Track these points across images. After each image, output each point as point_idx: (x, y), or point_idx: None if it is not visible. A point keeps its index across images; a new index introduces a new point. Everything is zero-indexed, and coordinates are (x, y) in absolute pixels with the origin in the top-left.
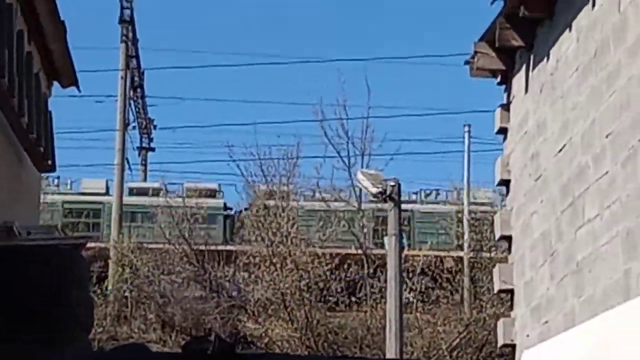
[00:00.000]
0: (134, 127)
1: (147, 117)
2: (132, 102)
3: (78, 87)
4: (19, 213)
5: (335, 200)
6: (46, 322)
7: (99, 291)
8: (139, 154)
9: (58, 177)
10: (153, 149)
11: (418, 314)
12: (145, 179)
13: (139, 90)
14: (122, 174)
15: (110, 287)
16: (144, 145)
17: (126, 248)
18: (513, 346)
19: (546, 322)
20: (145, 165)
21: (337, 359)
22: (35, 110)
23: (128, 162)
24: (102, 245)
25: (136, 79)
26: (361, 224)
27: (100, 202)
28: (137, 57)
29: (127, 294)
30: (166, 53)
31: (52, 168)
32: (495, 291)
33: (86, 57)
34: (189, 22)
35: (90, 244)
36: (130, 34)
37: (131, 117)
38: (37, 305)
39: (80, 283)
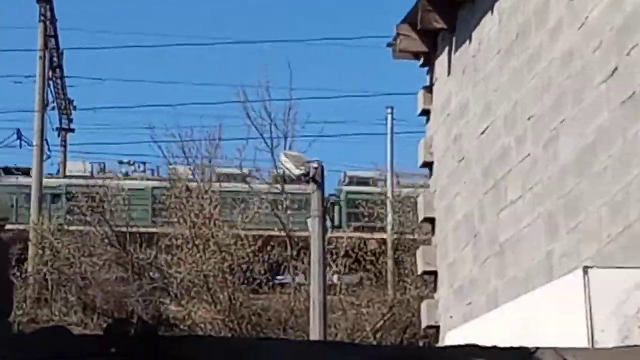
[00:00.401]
0: (53, 108)
1: (67, 98)
2: (51, 82)
3: None
4: None
5: (259, 182)
6: None
7: (18, 274)
8: (59, 135)
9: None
10: (73, 130)
11: (342, 296)
12: (64, 161)
13: (58, 70)
14: (42, 155)
15: (30, 270)
16: (63, 126)
17: (46, 230)
18: (437, 327)
19: (469, 303)
20: (65, 147)
21: (260, 340)
22: None
23: (47, 143)
24: (22, 227)
25: (55, 59)
26: (284, 206)
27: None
28: (55, 36)
29: (47, 276)
30: (86, 33)
31: None
32: (419, 273)
33: (3, 36)
34: (109, 1)
35: (9, 226)
36: (49, 13)
37: (50, 98)
38: None
39: None
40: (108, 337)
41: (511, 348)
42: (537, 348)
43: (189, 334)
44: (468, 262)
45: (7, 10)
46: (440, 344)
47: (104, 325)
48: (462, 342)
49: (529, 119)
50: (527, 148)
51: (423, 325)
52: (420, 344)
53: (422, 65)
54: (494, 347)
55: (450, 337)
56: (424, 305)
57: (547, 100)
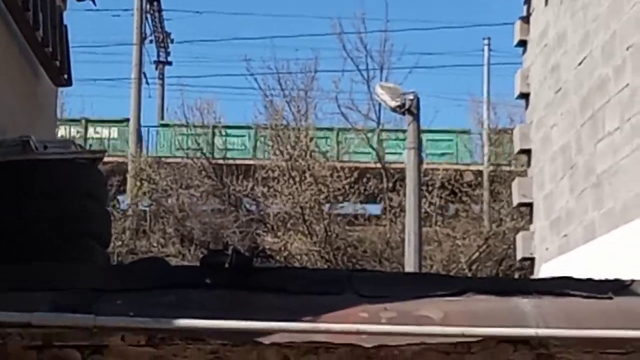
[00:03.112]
0: (150, 41)
1: (164, 31)
2: (148, 15)
3: (93, 1)
4: (36, 128)
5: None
6: (63, 236)
7: (117, 205)
8: (156, 68)
9: None
10: (170, 63)
11: (437, 228)
12: (162, 93)
13: (155, 3)
14: (140, 88)
15: (128, 202)
16: (161, 59)
17: (144, 162)
18: (532, 259)
19: (565, 235)
20: (162, 80)
21: (353, 272)
22: (51, 24)
23: (145, 76)
24: (120, 160)
25: None
26: (380, 138)
27: None
28: None
29: (145, 208)
30: None
31: (69, 82)
32: (515, 205)
33: None
34: None
35: (108, 158)
36: None
37: (148, 31)
38: (53, 220)
39: (97, 197)
40: (204, 268)
41: (606, 280)
42: (633, 280)
43: (283, 265)
44: (565, 194)
45: None
46: (535, 276)
47: (201, 256)
48: (558, 274)
49: (627, 48)
50: (626, 78)
51: (518, 257)
52: (516, 276)
53: None
54: (589, 279)
55: (546, 269)
56: (519, 236)
57: None
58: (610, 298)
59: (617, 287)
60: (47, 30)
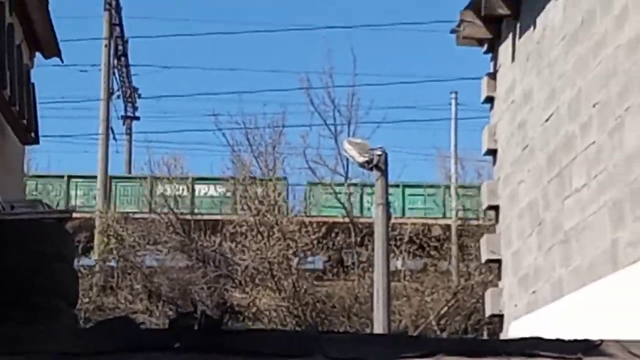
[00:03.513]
0: (118, 96)
1: (132, 86)
2: (116, 70)
3: (61, 58)
4: (3, 187)
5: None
6: (31, 297)
7: (84, 262)
8: (124, 123)
9: None
10: (138, 118)
11: (406, 282)
12: (130, 148)
13: (123, 58)
14: (107, 143)
15: (95, 258)
16: (128, 114)
17: (111, 218)
18: (501, 316)
19: (534, 292)
20: (130, 135)
21: (324, 333)
22: (18, 82)
23: (113, 132)
24: (88, 215)
25: (120, 47)
26: (348, 193)
27: None
28: (120, 25)
29: (112, 264)
30: (149, 21)
31: (36, 140)
32: (483, 261)
33: (69, 25)
34: None
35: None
36: (114, 2)
37: (115, 86)
38: (20, 281)
39: (64, 256)
40: (173, 331)
41: (575, 340)
42: (602, 340)
43: (252, 328)
44: (533, 251)
45: None
46: (504, 332)
47: (170, 313)
48: (527, 332)
49: (594, 106)
50: (592, 135)
51: (487, 314)
52: (485, 331)
53: (486, 52)
54: (559, 340)
55: (515, 327)
56: (488, 293)
57: (612, 87)
58: (580, 359)
59: (587, 348)
60: (14, 88)
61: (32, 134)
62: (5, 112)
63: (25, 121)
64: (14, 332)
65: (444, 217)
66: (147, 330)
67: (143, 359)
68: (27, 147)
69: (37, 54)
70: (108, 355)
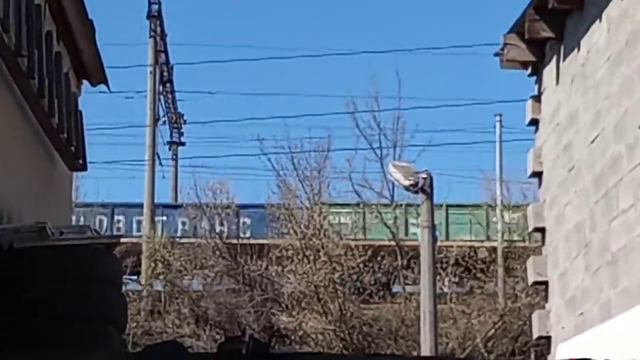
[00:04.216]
0: (164, 122)
1: (177, 112)
2: (161, 97)
3: (107, 85)
4: (52, 213)
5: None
6: (81, 323)
7: (131, 287)
8: (170, 149)
9: None
10: (184, 144)
11: (452, 305)
12: (176, 174)
13: (168, 85)
14: (153, 169)
15: (143, 282)
16: (174, 140)
17: (158, 243)
18: (549, 338)
19: (582, 313)
20: (176, 161)
21: (372, 356)
22: (66, 110)
23: (159, 157)
24: (134, 240)
25: (165, 73)
26: (394, 216)
27: None
28: (165, 51)
29: (160, 288)
30: (195, 47)
31: (84, 167)
32: (530, 283)
33: (115, 53)
34: (217, 16)
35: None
36: (159, 29)
37: (161, 112)
38: (70, 307)
39: (113, 282)
40: (221, 355)
41: None
42: None
43: (300, 351)
44: (580, 272)
45: (118, 27)
46: (552, 355)
47: (217, 337)
48: (575, 355)
49: (639, 127)
50: (639, 156)
51: (534, 336)
52: (532, 353)
53: (530, 75)
54: None
55: (562, 349)
56: (535, 315)
57: None
58: None
59: None
60: (62, 116)
61: (80, 161)
62: (53, 140)
63: (73, 148)
64: (66, 359)
65: (488, 239)
66: (196, 354)
67: None
68: (75, 174)
69: (84, 81)
70: None
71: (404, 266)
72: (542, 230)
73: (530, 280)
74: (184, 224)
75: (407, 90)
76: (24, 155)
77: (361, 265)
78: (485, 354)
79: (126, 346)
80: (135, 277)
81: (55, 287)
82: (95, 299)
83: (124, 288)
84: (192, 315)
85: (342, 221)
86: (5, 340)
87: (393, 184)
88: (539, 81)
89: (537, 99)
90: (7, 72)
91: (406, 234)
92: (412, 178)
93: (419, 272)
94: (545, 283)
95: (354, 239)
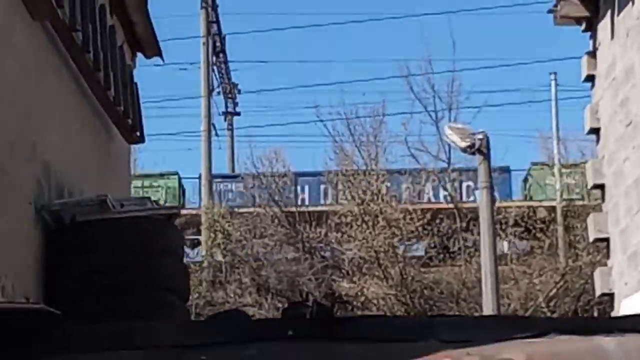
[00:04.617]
0: (218, 93)
1: (231, 82)
2: (215, 67)
3: (162, 57)
4: (111, 186)
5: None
6: (144, 293)
7: (192, 258)
8: (225, 119)
9: None
10: (239, 114)
11: (513, 266)
12: (232, 144)
13: (221, 55)
14: (209, 139)
15: (203, 253)
16: (229, 110)
17: (217, 214)
18: (611, 295)
19: None
20: (231, 130)
21: (435, 317)
22: (121, 83)
23: (215, 128)
24: (194, 212)
25: (218, 44)
26: (451, 178)
27: None
28: (217, 22)
29: (220, 259)
30: (246, 17)
31: (141, 139)
32: (591, 241)
33: (167, 25)
34: None
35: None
36: (210, 0)
37: (215, 83)
38: (134, 277)
39: (174, 252)
40: (285, 321)
41: None
42: None
43: (363, 315)
44: None
45: None
46: (615, 311)
47: (279, 305)
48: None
49: None
50: None
51: (597, 293)
52: (595, 311)
53: (585, 30)
54: None
55: (626, 305)
56: (597, 272)
57: None
58: None
59: None
60: (118, 89)
61: (137, 133)
62: (110, 112)
63: (130, 120)
64: (131, 327)
65: (547, 198)
66: (260, 320)
67: (257, 349)
68: (132, 147)
69: (138, 54)
70: (223, 347)
71: (463, 228)
72: (601, 187)
73: (592, 238)
74: (241, 194)
75: (461, 52)
76: (83, 129)
77: (420, 229)
78: (548, 314)
79: (189, 315)
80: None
81: (117, 259)
82: (157, 269)
83: (185, 259)
84: (253, 285)
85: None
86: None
87: (449, 146)
88: (593, 37)
89: (593, 54)
90: (63, 47)
91: (460, 197)
92: (468, 139)
93: (479, 234)
94: (607, 240)
95: (412, 203)
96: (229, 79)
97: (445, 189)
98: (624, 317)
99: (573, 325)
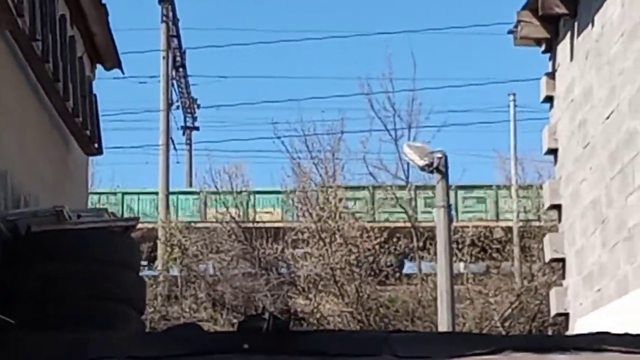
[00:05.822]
0: (177, 107)
1: (190, 97)
2: (174, 82)
3: (122, 69)
4: (68, 197)
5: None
6: (100, 304)
7: (148, 272)
8: (184, 134)
9: None
10: (197, 128)
11: (469, 285)
12: (190, 159)
13: (181, 69)
14: (168, 154)
15: (159, 267)
16: (188, 124)
17: (174, 228)
18: (566, 315)
19: (599, 289)
20: (190, 145)
21: (391, 332)
22: (80, 94)
23: (173, 142)
24: (150, 226)
25: (178, 58)
26: (409, 197)
27: None
28: (178, 36)
29: (176, 273)
30: (207, 32)
31: (99, 151)
32: (547, 261)
33: (128, 38)
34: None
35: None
36: (171, 14)
37: (174, 97)
38: (89, 288)
39: (131, 264)
40: (241, 334)
41: None
42: None
43: (319, 329)
44: (596, 249)
45: (129, 12)
46: (570, 331)
47: (234, 320)
48: (593, 330)
49: None
50: None
51: (552, 313)
52: (550, 331)
53: (544, 52)
54: (627, 334)
55: (580, 325)
56: (552, 292)
57: None
58: None
59: None
60: (77, 100)
61: (95, 145)
62: (69, 123)
63: (88, 132)
64: (83, 337)
65: (498, 219)
66: (216, 333)
67: None
68: (89, 159)
69: (98, 66)
70: (178, 359)
71: (420, 247)
72: (558, 207)
73: (548, 257)
74: (198, 208)
75: (421, 71)
76: (41, 139)
77: (377, 247)
78: (503, 334)
79: (145, 327)
80: (149, 264)
81: (72, 269)
82: (112, 281)
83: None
84: (208, 300)
85: (356, 204)
86: (23, 322)
87: (408, 165)
88: (553, 58)
89: (552, 76)
90: (22, 57)
91: (415, 215)
92: (427, 158)
93: (435, 253)
94: (563, 260)
95: (369, 221)
96: (189, 93)
97: (402, 207)
98: (578, 336)
99: (528, 343)
